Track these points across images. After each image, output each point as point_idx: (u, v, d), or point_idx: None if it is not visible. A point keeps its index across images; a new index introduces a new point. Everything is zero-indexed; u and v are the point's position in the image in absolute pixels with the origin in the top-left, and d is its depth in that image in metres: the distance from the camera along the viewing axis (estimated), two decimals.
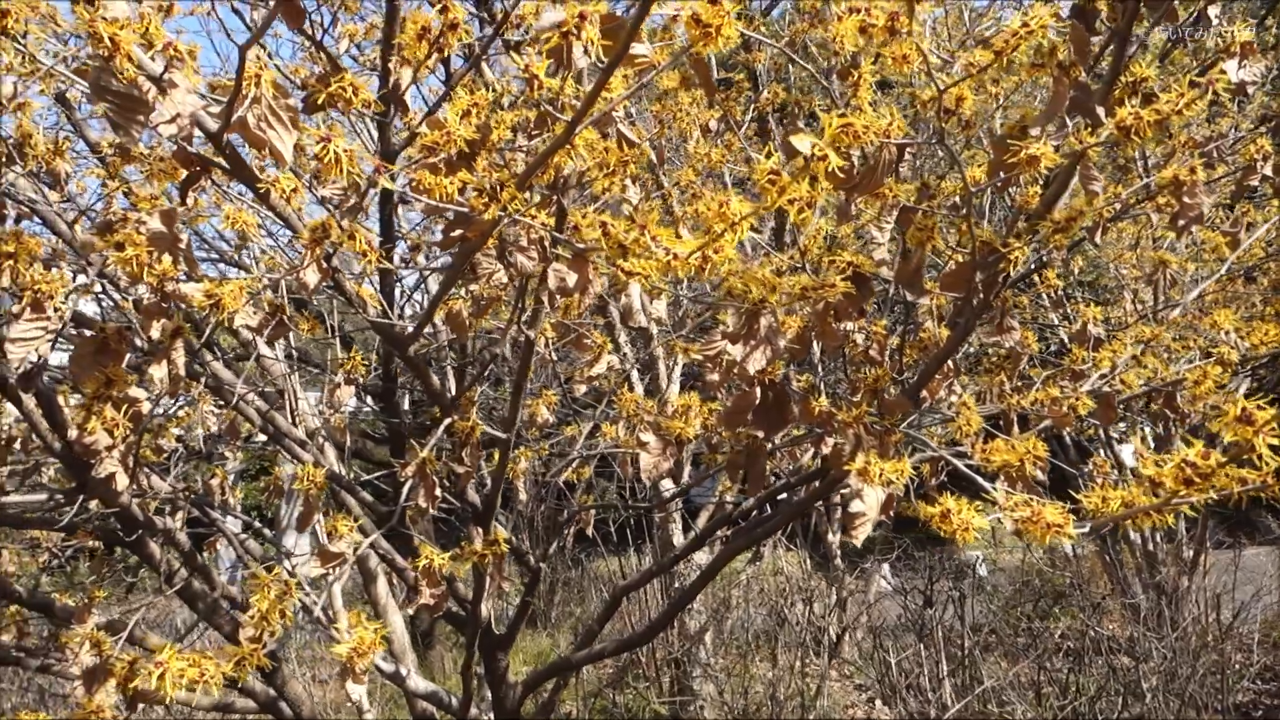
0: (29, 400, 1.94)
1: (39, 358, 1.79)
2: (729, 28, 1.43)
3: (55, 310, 1.79)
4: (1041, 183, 2.73)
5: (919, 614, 4.89)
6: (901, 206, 2.07)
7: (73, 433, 1.98)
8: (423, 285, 4.12)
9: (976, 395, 3.06)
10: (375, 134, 3.44)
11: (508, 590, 5.49)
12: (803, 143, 2.43)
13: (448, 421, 2.40)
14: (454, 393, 2.91)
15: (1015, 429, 2.72)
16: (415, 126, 2.35)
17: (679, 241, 1.31)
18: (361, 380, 2.85)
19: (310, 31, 2.83)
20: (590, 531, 4.33)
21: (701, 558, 6.28)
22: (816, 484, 3.91)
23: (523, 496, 3.40)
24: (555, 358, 3.56)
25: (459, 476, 2.34)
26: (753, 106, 4.22)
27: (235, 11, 3.78)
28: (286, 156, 1.78)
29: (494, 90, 3.34)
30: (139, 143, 1.54)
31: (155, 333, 2.08)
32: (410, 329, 2.19)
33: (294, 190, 1.74)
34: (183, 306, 2.22)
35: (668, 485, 5.96)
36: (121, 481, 2.07)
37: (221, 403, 3.67)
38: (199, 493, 3.22)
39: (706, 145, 3.14)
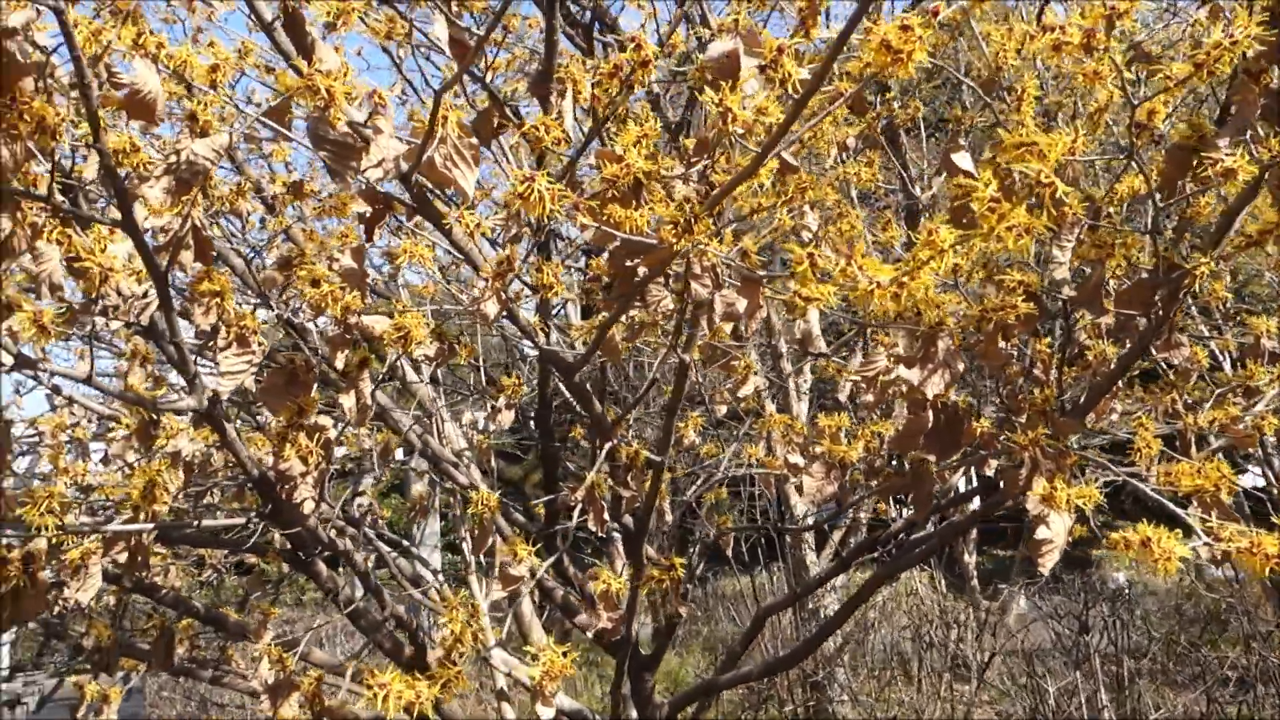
0: (231, 430, 2.06)
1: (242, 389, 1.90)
2: (920, 53, 1.42)
3: (259, 344, 1.89)
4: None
5: (1074, 640, 4.70)
6: (1084, 224, 2.02)
7: (268, 459, 2.08)
8: (561, 310, 4.20)
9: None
10: (509, 161, 3.53)
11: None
12: (963, 160, 2.39)
13: (609, 446, 2.44)
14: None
15: (1193, 449, 2.60)
16: (574, 157, 2.40)
17: (882, 269, 1.31)
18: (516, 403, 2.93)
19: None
20: (729, 551, 4.32)
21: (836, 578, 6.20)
22: (967, 505, 3.81)
23: (668, 518, 3.42)
24: (699, 379, 3.58)
25: (623, 500, 2.37)
26: (888, 122, 4.17)
27: (384, 50, 3.94)
28: (469, 192, 1.85)
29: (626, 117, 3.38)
30: (353, 186, 1.62)
31: (340, 363, 2.18)
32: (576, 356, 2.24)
33: (477, 225, 1.81)
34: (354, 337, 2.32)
35: (797, 503, 5.91)
36: (309, 505, 2.17)
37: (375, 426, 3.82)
38: (366, 512, 3.34)
39: (853, 163, 3.12)
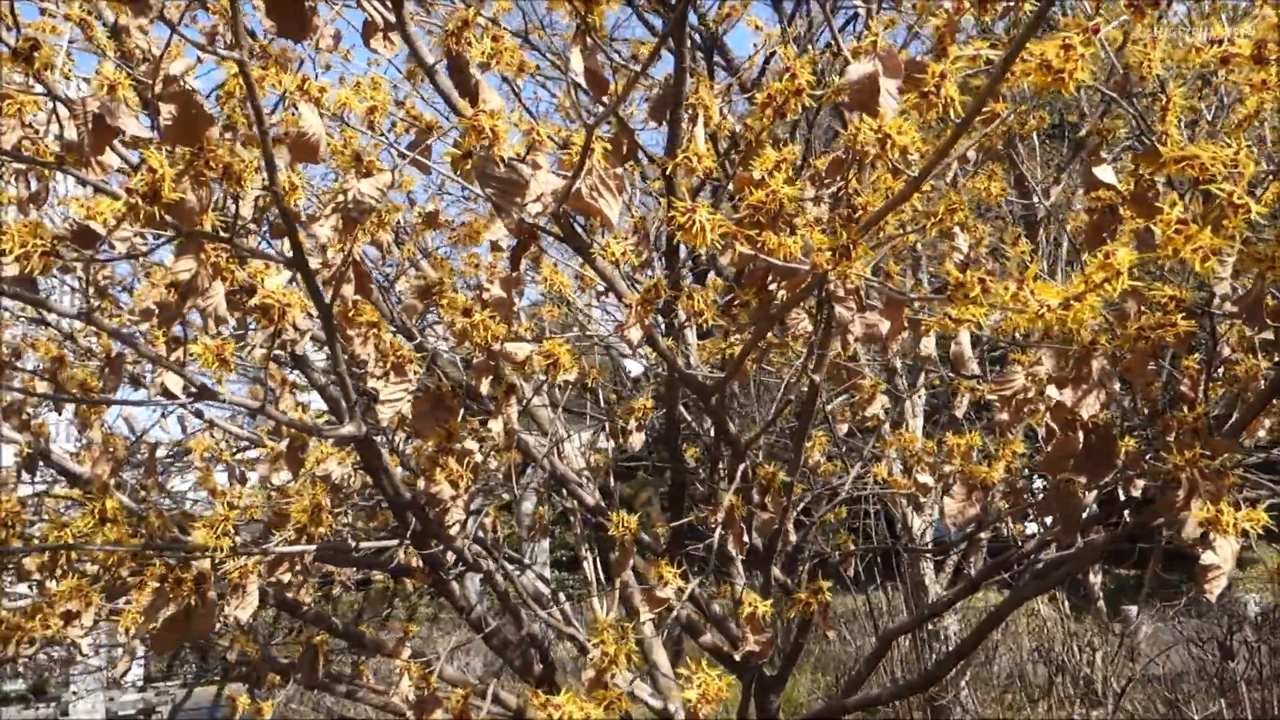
0: (388, 456, 2.14)
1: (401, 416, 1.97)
2: (1083, 72, 1.41)
3: (414, 373, 1.96)
4: None
5: (1217, 666, 4.49)
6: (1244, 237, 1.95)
7: (420, 483, 2.15)
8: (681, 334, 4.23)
9: None
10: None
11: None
12: (1106, 173, 2.33)
13: (743, 467, 2.45)
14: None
15: None
16: (714, 186, 2.42)
17: (1053, 293, 1.30)
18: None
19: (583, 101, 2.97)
20: (849, 572, 4.28)
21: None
22: (1102, 527, 3.70)
23: (792, 538, 3.40)
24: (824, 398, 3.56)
25: (757, 520, 2.38)
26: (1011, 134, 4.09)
27: (505, 80, 4.04)
28: (614, 221, 1.89)
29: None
30: (516, 222, 1.68)
31: (485, 389, 2.25)
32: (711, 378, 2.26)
33: (623, 254, 1.84)
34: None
35: (915, 522, 5.80)
36: (457, 528, 2.24)
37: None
38: (509, 535, 3.43)
39: (980, 178, 3.07)
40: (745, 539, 2.27)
